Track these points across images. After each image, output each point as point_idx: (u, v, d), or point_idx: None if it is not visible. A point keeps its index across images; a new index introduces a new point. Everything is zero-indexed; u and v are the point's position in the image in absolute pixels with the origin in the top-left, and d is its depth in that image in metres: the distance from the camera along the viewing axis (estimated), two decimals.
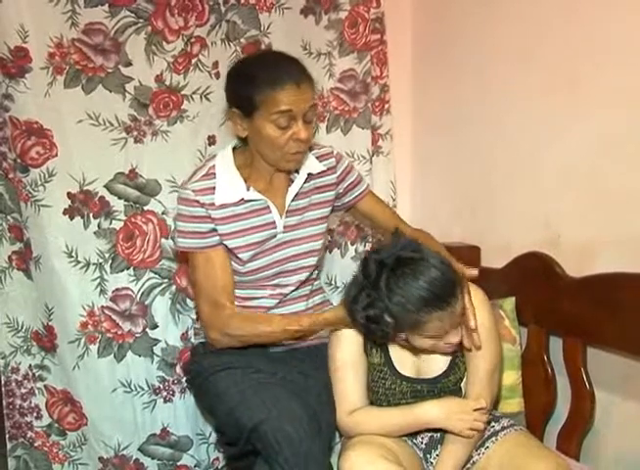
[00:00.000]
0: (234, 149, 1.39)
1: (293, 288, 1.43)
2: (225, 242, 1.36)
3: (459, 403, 1.26)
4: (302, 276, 1.44)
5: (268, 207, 1.37)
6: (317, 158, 1.43)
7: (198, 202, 1.33)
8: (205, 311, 1.37)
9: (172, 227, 1.59)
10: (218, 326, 1.35)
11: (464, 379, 1.29)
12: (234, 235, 1.36)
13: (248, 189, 1.36)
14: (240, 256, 1.37)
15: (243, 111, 1.30)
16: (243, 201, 1.35)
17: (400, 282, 1.16)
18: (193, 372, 1.46)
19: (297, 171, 1.39)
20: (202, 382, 1.39)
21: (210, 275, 1.36)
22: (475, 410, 1.25)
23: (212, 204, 1.33)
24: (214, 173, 1.35)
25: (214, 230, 1.35)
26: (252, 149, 1.35)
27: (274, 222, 1.38)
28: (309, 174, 1.41)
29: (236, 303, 1.41)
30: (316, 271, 1.51)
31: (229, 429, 1.31)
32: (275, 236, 1.39)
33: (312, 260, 1.44)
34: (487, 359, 1.29)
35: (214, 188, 1.34)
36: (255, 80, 1.27)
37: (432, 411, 1.26)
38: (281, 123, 1.27)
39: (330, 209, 1.47)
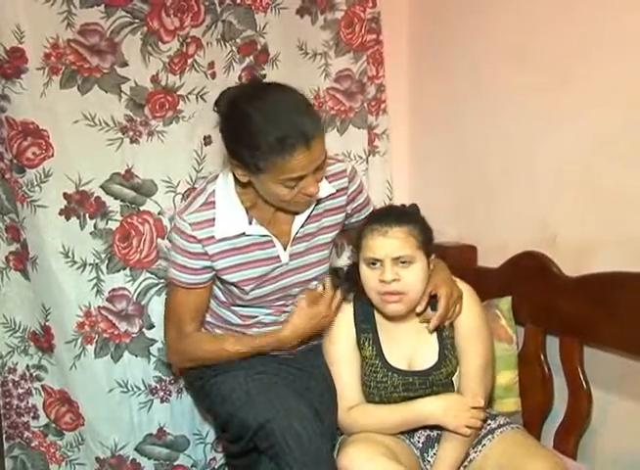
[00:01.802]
0: None
1: (295, 307, 1.38)
2: (223, 276, 1.29)
3: (456, 400, 1.27)
4: None
5: (272, 241, 1.29)
6: (327, 177, 1.31)
7: (195, 237, 1.24)
8: (171, 336, 1.36)
9: (169, 228, 1.59)
10: (180, 350, 1.35)
11: (456, 373, 1.30)
12: (233, 269, 1.28)
13: (250, 222, 1.27)
14: (240, 286, 1.31)
15: (245, 167, 1.18)
16: (244, 234, 1.27)
17: None
18: (192, 376, 1.46)
19: None
20: (203, 384, 1.38)
21: (186, 305, 1.32)
22: (472, 408, 1.25)
23: (211, 237, 1.25)
24: (214, 202, 1.25)
25: (208, 267, 1.28)
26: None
27: (278, 256, 1.31)
28: (318, 199, 1.30)
29: (237, 320, 1.39)
30: None
31: (232, 428, 1.30)
32: (280, 266, 1.33)
33: (316, 284, 1.39)
34: (479, 355, 1.30)
35: (214, 219, 1.25)
36: (260, 146, 1.12)
37: (429, 407, 1.27)
38: (290, 184, 1.17)
39: (338, 232, 1.40)
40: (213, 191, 1.27)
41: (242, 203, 1.27)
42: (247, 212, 1.28)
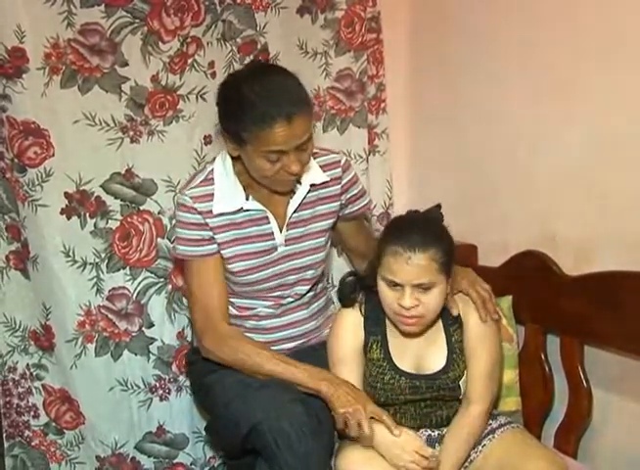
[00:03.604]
0: None
1: (292, 299, 1.41)
2: (222, 251, 1.34)
3: (407, 440, 1.22)
4: (303, 289, 1.41)
5: (267, 217, 1.34)
6: (322, 167, 1.37)
7: (195, 209, 1.30)
8: (199, 322, 1.36)
9: (168, 227, 1.60)
10: (212, 338, 1.33)
11: (463, 377, 1.29)
12: (230, 244, 1.33)
13: (247, 198, 1.32)
14: (235, 265, 1.34)
15: (232, 139, 1.25)
16: (241, 210, 1.32)
17: None
18: (193, 373, 1.47)
19: (299, 182, 1.34)
20: (202, 382, 1.39)
21: (206, 288, 1.34)
22: (417, 454, 1.20)
23: (210, 211, 1.30)
24: (213, 179, 1.32)
25: (212, 238, 1.32)
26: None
27: (272, 233, 1.35)
28: (312, 185, 1.36)
29: (234, 311, 1.40)
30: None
31: (228, 428, 1.30)
32: (276, 249, 1.36)
33: (313, 273, 1.41)
34: (485, 358, 1.29)
35: (213, 195, 1.31)
36: (242, 117, 1.20)
37: (381, 437, 1.22)
38: (271, 158, 1.22)
39: (333, 221, 1.43)
40: (212, 170, 1.34)
41: (239, 182, 1.32)
42: (244, 190, 1.32)
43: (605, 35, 1.31)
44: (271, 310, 1.40)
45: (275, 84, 1.22)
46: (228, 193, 1.31)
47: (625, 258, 1.30)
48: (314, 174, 1.35)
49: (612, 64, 1.31)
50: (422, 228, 1.23)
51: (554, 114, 1.45)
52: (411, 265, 1.19)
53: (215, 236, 1.33)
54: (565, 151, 1.43)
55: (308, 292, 1.43)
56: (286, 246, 1.36)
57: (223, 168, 1.33)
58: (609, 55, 1.31)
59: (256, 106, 1.18)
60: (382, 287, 1.24)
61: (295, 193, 1.35)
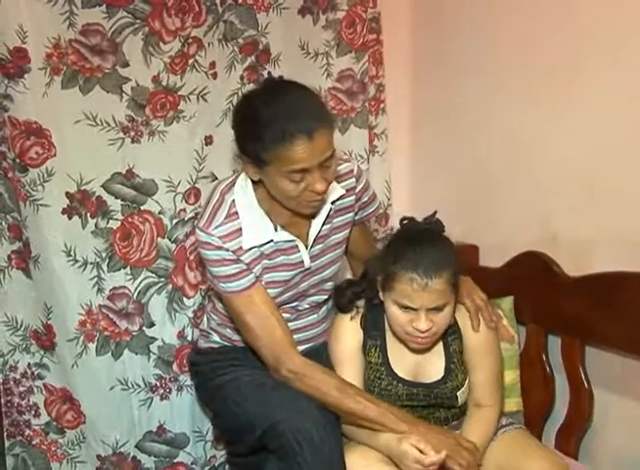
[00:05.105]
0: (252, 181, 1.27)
1: (308, 306, 1.41)
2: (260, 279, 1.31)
3: (407, 452, 1.18)
4: (320, 298, 1.41)
5: (296, 246, 1.31)
6: (336, 178, 1.31)
7: (226, 249, 1.25)
8: (267, 358, 1.29)
9: (169, 227, 1.60)
10: (286, 377, 1.26)
11: (461, 388, 1.29)
12: (261, 273, 1.30)
13: (276, 229, 1.28)
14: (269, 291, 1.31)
15: (252, 161, 1.21)
16: (271, 241, 1.29)
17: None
18: (199, 374, 1.47)
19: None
20: (210, 383, 1.39)
21: (263, 319, 1.28)
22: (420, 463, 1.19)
23: (240, 248, 1.25)
24: (237, 212, 1.26)
25: (249, 268, 1.28)
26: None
27: (302, 262, 1.32)
28: (332, 202, 1.32)
29: None
30: None
31: (239, 427, 1.30)
32: (302, 272, 1.34)
33: (331, 284, 1.40)
34: (491, 365, 1.30)
35: (240, 229, 1.25)
36: (262, 137, 1.15)
37: (390, 448, 1.22)
38: (295, 178, 1.17)
39: (350, 230, 1.41)
40: (233, 201, 1.27)
41: (265, 212, 1.27)
42: (270, 219, 1.28)
43: (605, 35, 1.31)
44: (287, 315, 1.38)
45: (292, 100, 1.17)
46: (256, 226, 1.26)
47: (626, 259, 1.30)
48: (333, 190, 1.30)
49: (612, 63, 1.30)
50: (431, 248, 1.21)
51: (554, 114, 1.44)
52: (428, 291, 1.18)
53: (250, 268, 1.28)
54: (565, 151, 1.43)
55: (324, 301, 1.43)
56: (310, 264, 1.34)
57: (245, 197, 1.27)
58: (609, 55, 1.31)
59: (275, 123, 1.14)
60: (393, 309, 1.23)
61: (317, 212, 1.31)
